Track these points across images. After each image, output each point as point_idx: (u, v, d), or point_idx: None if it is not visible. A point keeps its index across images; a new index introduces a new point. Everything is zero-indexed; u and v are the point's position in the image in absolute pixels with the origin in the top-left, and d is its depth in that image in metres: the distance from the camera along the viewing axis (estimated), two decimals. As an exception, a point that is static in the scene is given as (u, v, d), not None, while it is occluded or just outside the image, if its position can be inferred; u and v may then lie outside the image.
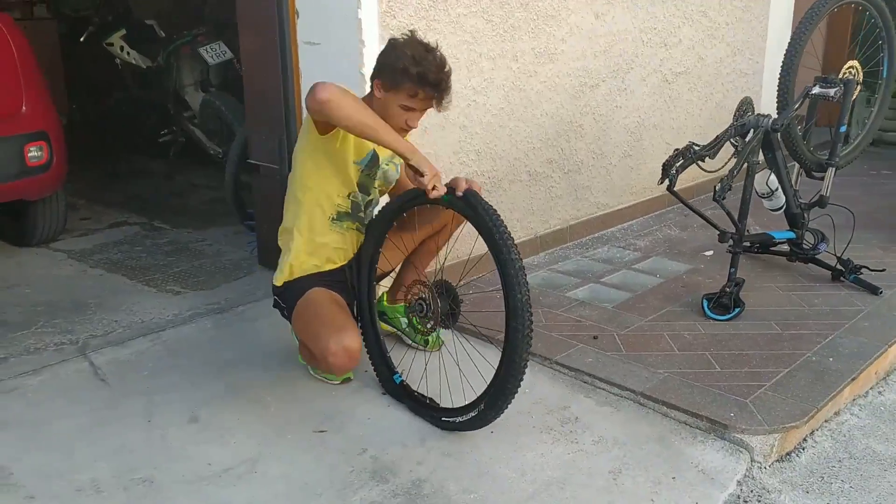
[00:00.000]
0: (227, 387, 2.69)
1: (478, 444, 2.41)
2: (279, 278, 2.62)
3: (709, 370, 2.77)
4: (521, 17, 3.62)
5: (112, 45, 5.88)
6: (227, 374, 2.76)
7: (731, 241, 3.22)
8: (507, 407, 2.37)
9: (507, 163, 3.75)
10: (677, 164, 2.91)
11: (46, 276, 3.73)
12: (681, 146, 3.04)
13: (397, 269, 2.89)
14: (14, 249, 4.15)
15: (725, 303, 3.20)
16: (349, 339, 2.39)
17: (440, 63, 2.42)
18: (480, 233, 2.37)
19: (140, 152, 6.19)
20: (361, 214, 2.64)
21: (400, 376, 2.65)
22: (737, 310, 3.19)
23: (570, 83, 4.00)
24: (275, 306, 2.70)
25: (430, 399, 2.57)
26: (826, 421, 2.67)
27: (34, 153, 3.69)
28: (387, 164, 2.64)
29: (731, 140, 3.13)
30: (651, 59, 4.45)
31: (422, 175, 2.39)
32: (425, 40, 2.48)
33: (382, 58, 2.47)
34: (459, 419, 2.47)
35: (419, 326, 2.59)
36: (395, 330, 2.99)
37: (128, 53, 5.85)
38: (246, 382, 2.72)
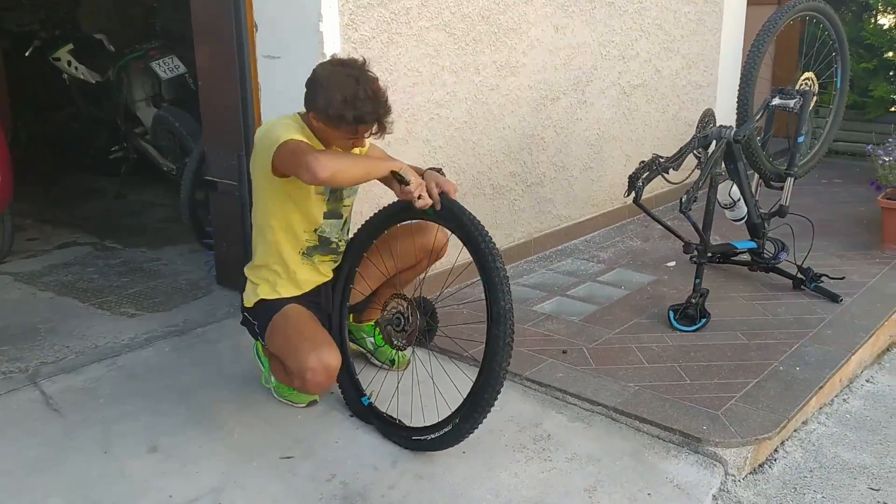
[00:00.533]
0: (188, 412, 2.59)
1: (451, 465, 2.35)
2: (250, 299, 2.55)
3: (679, 382, 2.76)
4: (482, 31, 3.59)
5: (59, 59, 5.70)
6: (189, 400, 2.66)
7: (695, 252, 3.23)
8: (482, 419, 2.32)
9: (470, 176, 3.72)
10: (643, 177, 2.91)
11: (-7, 300, 3.57)
12: (641, 158, 3.05)
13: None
14: (-45, 273, 3.98)
15: (691, 314, 3.21)
16: (329, 356, 2.34)
17: (374, 96, 2.27)
18: (465, 242, 2.37)
19: (90, 170, 6.01)
20: (333, 245, 2.58)
21: (368, 398, 2.59)
22: (703, 320, 3.19)
23: (532, 96, 3.99)
24: (243, 323, 2.63)
25: (399, 420, 2.51)
26: (795, 430, 2.68)
27: (-23, 172, 3.54)
28: None
29: (695, 152, 3.14)
30: (609, 72, 4.47)
31: (406, 184, 2.34)
32: (349, 57, 2.40)
33: (311, 95, 2.33)
34: (432, 436, 2.41)
35: (395, 341, 2.53)
36: (361, 349, 2.92)
37: (76, 69, 5.67)
38: (209, 407, 2.62)
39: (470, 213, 2.38)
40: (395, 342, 2.54)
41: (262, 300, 2.52)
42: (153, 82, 5.40)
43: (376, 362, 2.90)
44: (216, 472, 2.29)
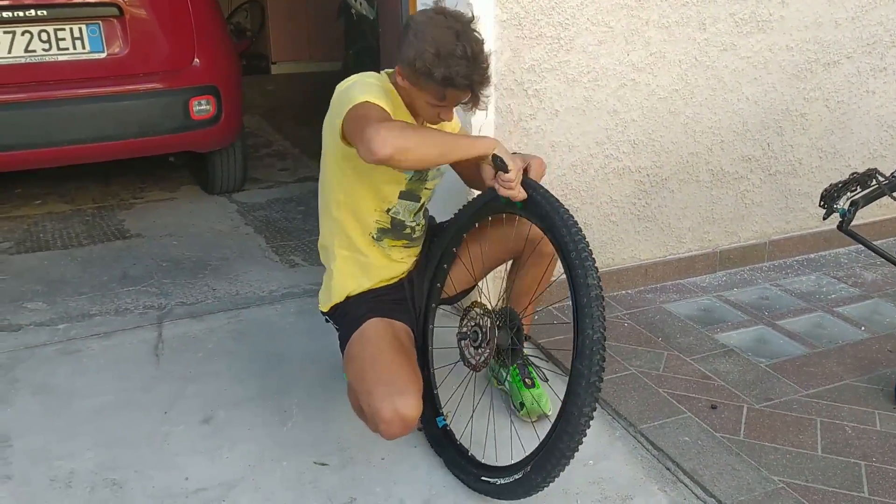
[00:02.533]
0: (261, 387, 2.46)
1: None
2: (325, 303, 2.27)
3: (850, 492, 1.95)
4: (715, -26, 2.82)
5: (349, -5, 5.88)
6: (270, 373, 2.54)
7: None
8: (557, 472, 1.83)
9: (678, 158, 3.01)
10: (853, 195, 2.03)
11: (202, 228, 3.80)
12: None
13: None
14: (201, 196, 4.32)
15: (934, 390, 2.27)
16: (407, 407, 1.90)
17: (473, 57, 1.87)
18: (555, 246, 1.90)
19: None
20: (407, 230, 2.20)
21: (444, 420, 2.20)
22: (946, 405, 2.24)
23: (791, 59, 3.09)
24: (328, 322, 2.35)
25: (471, 453, 2.10)
26: None
27: (201, 107, 3.72)
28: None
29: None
30: (931, 30, 3.30)
31: (506, 171, 1.92)
32: (456, 9, 1.95)
33: (402, 44, 1.96)
34: (500, 481, 1.99)
35: (469, 359, 2.12)
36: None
37: (360, 4, 5.80)
38: (284, 387, 2.47)
39: (565, 210, 1.87)
40: (469, 360, 2.12)
41: (337, 305, 2.22)
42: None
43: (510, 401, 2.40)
44: (244, 463, 2.14)
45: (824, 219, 2.13)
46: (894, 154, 3.45)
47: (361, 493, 2.03)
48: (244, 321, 2.86)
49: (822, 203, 2.08)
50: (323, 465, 2.14)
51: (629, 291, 3.05)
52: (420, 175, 2.13)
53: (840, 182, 2.07)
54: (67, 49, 3.38)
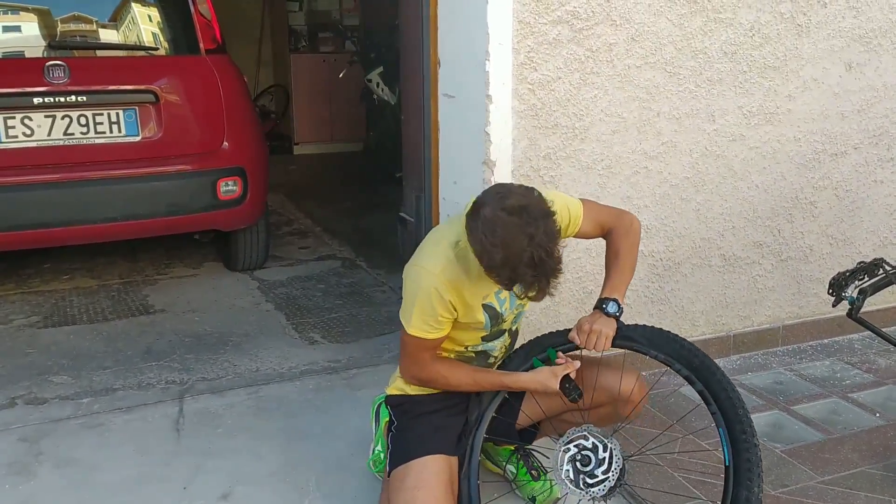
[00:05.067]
0: (282, 463, 2.49)
1: None
2: (394, 387, 2.25)
3: (868, 583, 1.94)
4: (723, 69, 2.95)
5: (370, 81, 6.12)
6: (292, 449, 2.57)
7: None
8: None
9: (690, 243, 3.09)
10: (861, 283, 2.09)
11: (224, 304, 3.89)
12: None
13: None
14: (223, 272, 4.42)
15: (951, 479, 2.26)
16: None
17: (541, 263, 1.77)
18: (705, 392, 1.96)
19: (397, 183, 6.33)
20: (492, 360, 2.23)
21: None
22: (963, 494, 2.23)
23: (800, 150, 3.19)
24: (385, 406, 2.32)
25: None
26: None
27: (227, 187, 3.86)
28: (520, 301, 2.12)
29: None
30: (935, 123, 3.41)
31: (578, 398, 2.05)
32: (523, 194, 1.83)
33: (471, 228, 1.84)
34: None
35: (573, 479, 1.98)
36: (499, 471, 2.44)
37: (382, 90, 6.03)
38: (302, 464, 2.50)
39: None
40: (567, 480, 1.98)
41: (404, 397, 2.20)
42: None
43: (518, 494, 2.37)
44: (261, 540, 2.16)
45: (833, 306, 2.18)
46: (905, 241, 3.51)
47: (376, 574, 2.04)
48: (263, 398, 2.91)
49: (830, 291, 2.14)
50: (339, 544, 2.16)
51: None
52: (497, 320, 2.13)
53: (848, 271, 2.14)
54: (104, 133, 3.55)
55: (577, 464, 1.98)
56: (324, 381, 3.03)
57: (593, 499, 1.97)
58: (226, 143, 3.88)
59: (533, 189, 1.88)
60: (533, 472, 2.32)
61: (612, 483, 1.93)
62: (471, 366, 2.16)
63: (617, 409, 2.13)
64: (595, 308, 2.07)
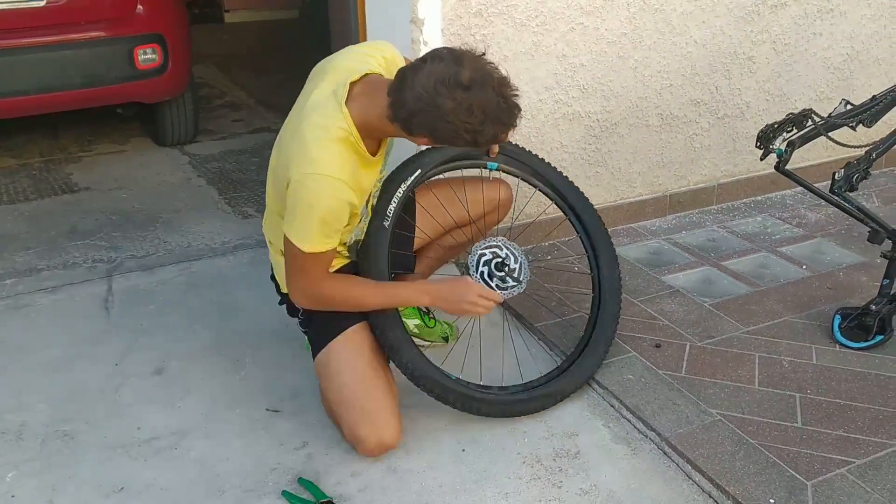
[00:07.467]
0: (213, 338, 2.47)
1: (437, 463, 1.97)
2: (284, 285, 2.07)
3: (784, 423, 2.03)
4: (662, -85, 2.80)
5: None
6: (224, 323, 2.55)
7: (888, 244, 2.32)
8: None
9: (628, 102, 3.03)
10: (788, 136, 2.07)
11: (153, 181, 3.75)
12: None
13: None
14: (152, 148, 4.26)
15: (868, 324, 2.35)
16: (386, 432, 1.94)
17: (491, 114, 1.70)
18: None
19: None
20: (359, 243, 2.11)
21: None
22: (878, 337, 2.33)
23: (739, 3, 3.10)
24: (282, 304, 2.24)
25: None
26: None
27: (146, 56, 3.65)
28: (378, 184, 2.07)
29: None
30: (877, -28, 3.33)
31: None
32: (461, 59, 1.69)
33: (419, 119, 1.70)
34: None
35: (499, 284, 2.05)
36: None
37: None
38: (236, 336, 2.48)
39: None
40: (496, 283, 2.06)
41: None
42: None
43: (426, 343, 2.39)
44: (197, 412, 2.16)
45: (761, 159, 2.16)
46: (844, 94, 3.49)
47: (313, 438, 2.06)
48: (195, 273, 2.85)
49: (758, 144, 2.12)
50: (275, 411, 2.17)
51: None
52: (367, 200, 2.02)
53: (776, 123, 2.11)
54: (4, -2, 3.27)
55: (492, 266, 2.07)
56: (258, 254, 2.97)
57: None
58: (140, 7, 3.64)
59: (440, 49, 1.74)
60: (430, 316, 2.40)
61: (522, 290, 2.07)
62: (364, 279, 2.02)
63: (496, 217, 2.31)
64: None
